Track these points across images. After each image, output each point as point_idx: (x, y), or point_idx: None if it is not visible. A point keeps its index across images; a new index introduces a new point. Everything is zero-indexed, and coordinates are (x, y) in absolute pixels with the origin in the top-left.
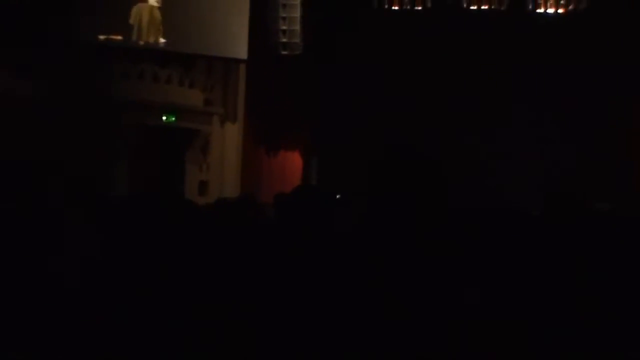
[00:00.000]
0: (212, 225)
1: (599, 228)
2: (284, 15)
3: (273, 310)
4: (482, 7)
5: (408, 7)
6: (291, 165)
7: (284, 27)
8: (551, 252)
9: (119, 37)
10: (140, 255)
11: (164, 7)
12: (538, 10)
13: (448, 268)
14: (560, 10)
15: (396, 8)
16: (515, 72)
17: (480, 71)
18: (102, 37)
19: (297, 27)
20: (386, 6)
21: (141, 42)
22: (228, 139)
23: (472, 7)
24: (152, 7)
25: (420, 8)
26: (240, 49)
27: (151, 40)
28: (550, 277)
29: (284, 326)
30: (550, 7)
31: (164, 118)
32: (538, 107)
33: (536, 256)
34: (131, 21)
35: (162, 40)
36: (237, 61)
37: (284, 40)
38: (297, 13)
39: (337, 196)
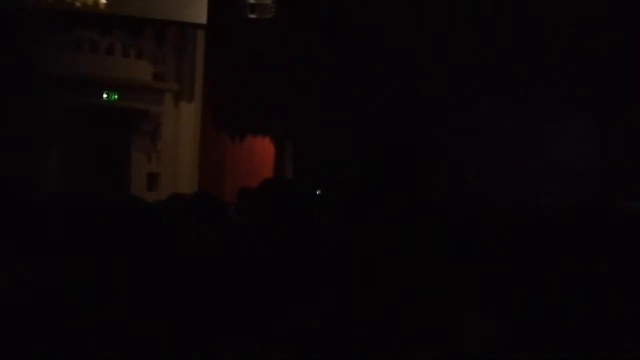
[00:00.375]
0: (165, 226)
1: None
2: None
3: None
4: None
5: None
6: (261, 153)
7: None
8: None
9: None
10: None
11: None
12: None
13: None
14: None
15: None
16: (532, 50)
17: (491, 44)
18: None
19: None
20: None
21: (77, 4)
22: (183, 121)
23: None
24: None
25: None
26: (199, 12)
27: (89, 1)
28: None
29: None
30: None
31: (105, 96)
32: (558, 92)
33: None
34: None
35: (102, 1)
36: (195, 27)
37: (252, 1)
38: None
39: (317, 192)
